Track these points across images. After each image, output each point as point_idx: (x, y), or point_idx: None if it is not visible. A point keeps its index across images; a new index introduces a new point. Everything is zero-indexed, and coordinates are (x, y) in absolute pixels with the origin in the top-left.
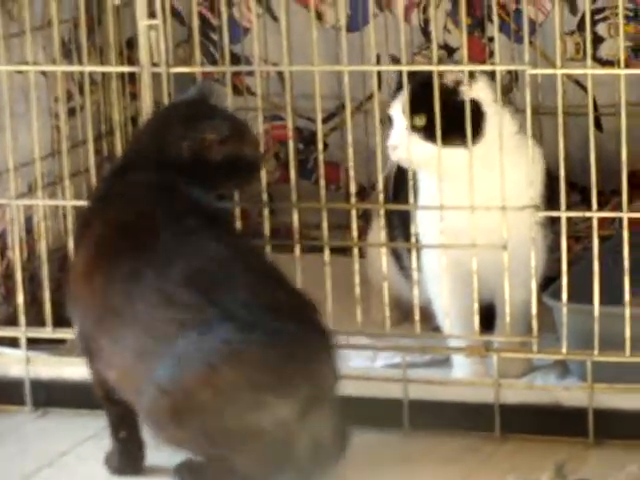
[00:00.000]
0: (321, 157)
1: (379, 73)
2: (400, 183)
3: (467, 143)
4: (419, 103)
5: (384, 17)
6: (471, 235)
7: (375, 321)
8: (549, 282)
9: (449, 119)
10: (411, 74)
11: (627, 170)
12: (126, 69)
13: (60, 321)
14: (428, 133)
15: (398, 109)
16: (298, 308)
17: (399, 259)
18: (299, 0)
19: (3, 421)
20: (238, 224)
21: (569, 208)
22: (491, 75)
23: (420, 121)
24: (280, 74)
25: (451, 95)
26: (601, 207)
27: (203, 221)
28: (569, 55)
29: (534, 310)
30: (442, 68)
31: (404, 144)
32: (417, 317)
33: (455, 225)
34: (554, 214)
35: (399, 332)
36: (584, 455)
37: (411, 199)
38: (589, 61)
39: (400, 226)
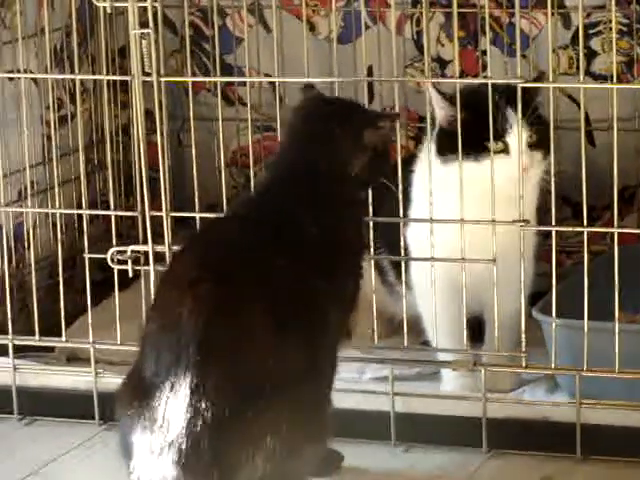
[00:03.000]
0: None
1: (370, 85)
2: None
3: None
4: (530, 121)
5: (377, 29)
6: (462, 248)
7: (363, 334)
8: (539, 297)
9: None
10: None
11: (619, 185)
12: (117, 78)
13: (49, 329)
14: (538, 147)
15: (514, 132)
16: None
17: (382, 274)
18: (292, 11)
19: None
20: None
21: (560, 223)
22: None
23: (532, 139)
24: (272, 85)
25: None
26: (593, 222)
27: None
28: (562, 69)
29: (523, 325)
30: (434, 80)
31: (532, 163)
32: (405, 330)
33: (449, 238)
34: (545, 229)
35: (387, 345)
36: (571, 471)
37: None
38: (582, 75)
39: (384, 240)
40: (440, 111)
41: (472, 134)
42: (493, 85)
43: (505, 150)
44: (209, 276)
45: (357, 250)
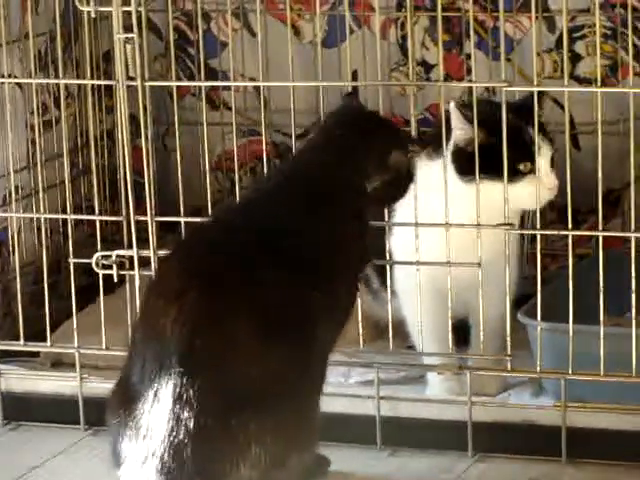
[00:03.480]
0: None
1: (355, 89)
2: None
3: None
4: (551, 141)
5: (361, 33)
6: (446, 252)
7: (350, 339)
8: (524, 300)
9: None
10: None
11: (603, 189)
12: (102, 82)
13: (34, 334)
14: (553, 165)
15: (543, 153)
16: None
17: (366, 280)
18: (277, 15)
19: None
20: None
21: (546, 226)
22: (468, 91)
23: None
24: (257, 89)
25: None
26: (578, 226)
27: None
28: (547, 73)
29: (508, 328)
30: (419, 84)
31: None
32: (390, 334)
33: (435, 244)
34: (530, 232)
35: (373, 349)
36: (557, 474)
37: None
38: (566, 79)
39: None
40: (458, 132)
41: (497, 156)
42: (511, 105)
43: (533, 170)
44: (195, 284)
45: (357, 263)
